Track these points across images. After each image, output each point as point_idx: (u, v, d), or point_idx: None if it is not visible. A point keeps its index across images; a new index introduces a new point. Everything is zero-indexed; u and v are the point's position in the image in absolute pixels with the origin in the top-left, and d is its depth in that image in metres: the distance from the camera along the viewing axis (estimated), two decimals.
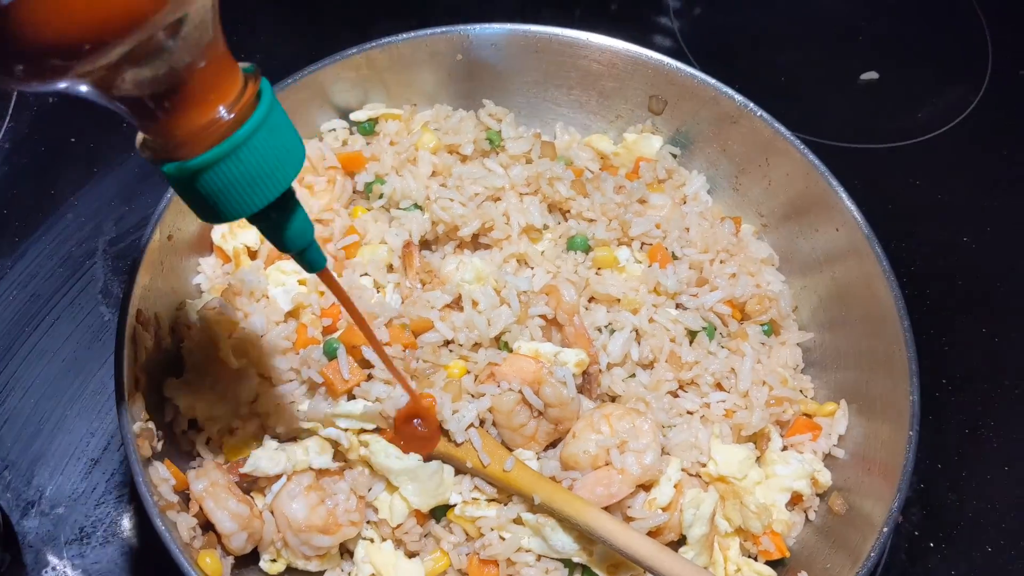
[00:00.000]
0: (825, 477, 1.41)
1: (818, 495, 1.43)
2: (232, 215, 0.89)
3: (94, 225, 1.67)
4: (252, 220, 0.93)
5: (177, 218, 1.40)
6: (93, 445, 1.47)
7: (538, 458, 1.35)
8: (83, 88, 0.76)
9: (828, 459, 1.45)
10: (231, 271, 1.44)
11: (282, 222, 0.95)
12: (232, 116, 0.83)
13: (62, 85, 0.75)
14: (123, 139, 1.77)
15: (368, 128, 1.64)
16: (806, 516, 1.42)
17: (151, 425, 1.28)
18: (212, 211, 0.89)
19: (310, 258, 1.01)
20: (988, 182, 1.96)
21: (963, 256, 1.85)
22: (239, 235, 1.45)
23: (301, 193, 1.51)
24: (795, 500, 1.41)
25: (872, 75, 2.10)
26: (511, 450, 1.33)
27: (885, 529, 1.25)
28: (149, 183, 1.71)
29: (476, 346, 1.37)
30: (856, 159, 1.95)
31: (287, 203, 0.94)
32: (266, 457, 1.27)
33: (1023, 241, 1.88)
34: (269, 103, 0.86)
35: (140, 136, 0.88)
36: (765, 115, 1.56)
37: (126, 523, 1.42)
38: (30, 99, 1.80)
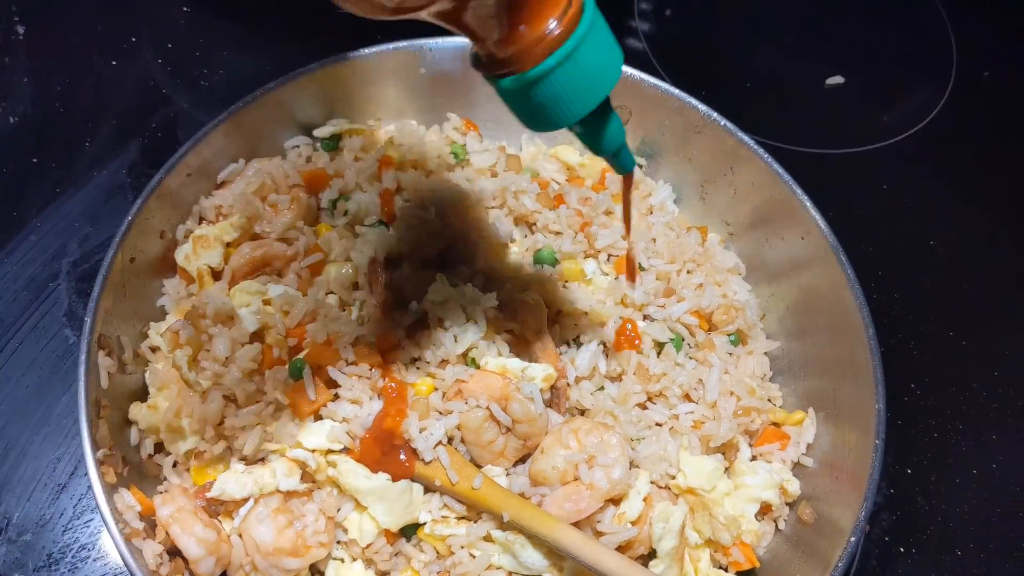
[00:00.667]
0: (794, 486, 1.42)
1: (787, 504, 1.43)
2: (563, 121, 1.00)
3: (58, 247, 1.65)
4: (574, 125, 1.03)
5: (140, 240, 1.40)
6: (60, 470, 1.45)
7: (507, 474, 1.35)
8: (432, 15, 0.89)
9: (797, 468, 1.45)
10: (195, 292, 1.43)
11: (601, 126, 1.06)
12: (561, 28, 0.93)
13: (421, 14, 0.88)
14: (87, 159, 1.76)
15: (332, 144, 1.63)
16: (776, 526, 1.42)
17: (116, 452, 1.27)
18: (544, 119, 1.00)
19: (622, 159, 1.13)
20: (954, 185, 1.97)
21: (931, 259, 1.86)
22: (202, 256, 1.44)
23: (265, 212, 1.50)
24: (764, 510, 1.41)
25: (838, 79, 2.11)
26: (480, 467, 1.33)
27: (852, 538, 1.25)
28: (113, 203, 1.70)
29: (443, 363, 1.36)
30: (824, 164, 1.95)
31: (606, 107, 1.04)
32: (233, 480, 1.27)
33: (990, 244, 1.90)
34: (592, 13, 0.96)
35: (473, 51, 0.99)
36: (729, 124, 1.57)
37: (94, 549, 1.40)
38: None
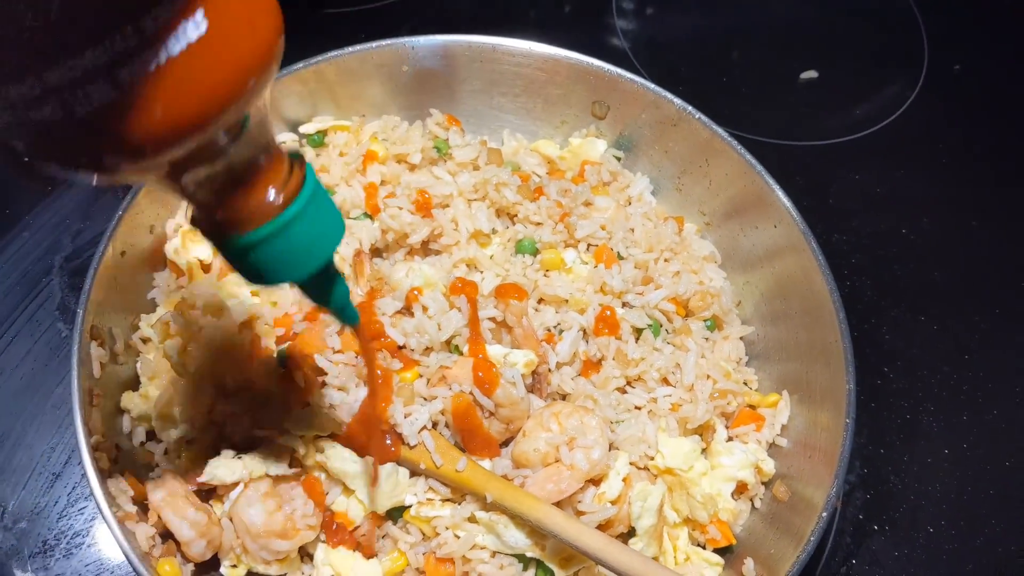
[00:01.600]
0: (769, 466, 1.46)
1: (763, 483, 1.47)
2: (279, 282, 0.99)
3: (51, 242, 1.68)
4: (296, 284, 1.02)
5: (130, 234, 1.43)
6: (54, 460, 1.49)
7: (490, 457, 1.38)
8: (146, 179, 0.85)
9: (772, 448, 1.49)
10: (185, 285, 1.46)
11: (323, 286, 1.05)
12: (281, 198, 0.91)
13: (130, 179, 0.85)
14: None
15: (318, 140, 1.67)
16: (752, 504, 1.47)
17: (109, 439, 1.30)
18: (260, 278, 0.98)
19: (346, 315, 1.12)
20: (925, 175, 2.02)
21: (902, 247, 1.90)
22: (192, 249, 1.48)
23: None
24: (741, 489, 1.46)
25: (812, 74, 2.15)
26: (464, 450, 1.36)
27: (824, 514, 1.29)
28: (105, 199, 1.73)
29: (427, 350, 1.40)
30: (798, 156, 2.00)
31: (328, 270, 1.03)
32: (223, 465, 1.30)
33: (958, 231, 1.95)
34: (313, 186, 0.95)
35: (190, 212, 0.95)
36: (703, 117, 1.61)
37: (88, 535, 1.44)
38: None
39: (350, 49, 1.63)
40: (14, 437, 1.50)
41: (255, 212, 0.91)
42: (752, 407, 1.52)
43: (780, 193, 1.54)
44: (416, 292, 1.42)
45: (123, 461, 1.33)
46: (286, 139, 1.67)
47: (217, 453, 1.36)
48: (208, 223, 0.94)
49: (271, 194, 0.91)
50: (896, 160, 2.03)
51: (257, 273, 0.97)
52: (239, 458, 1.31)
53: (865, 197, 1.97)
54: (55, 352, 1.57)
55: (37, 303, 1.61)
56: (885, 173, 2.01)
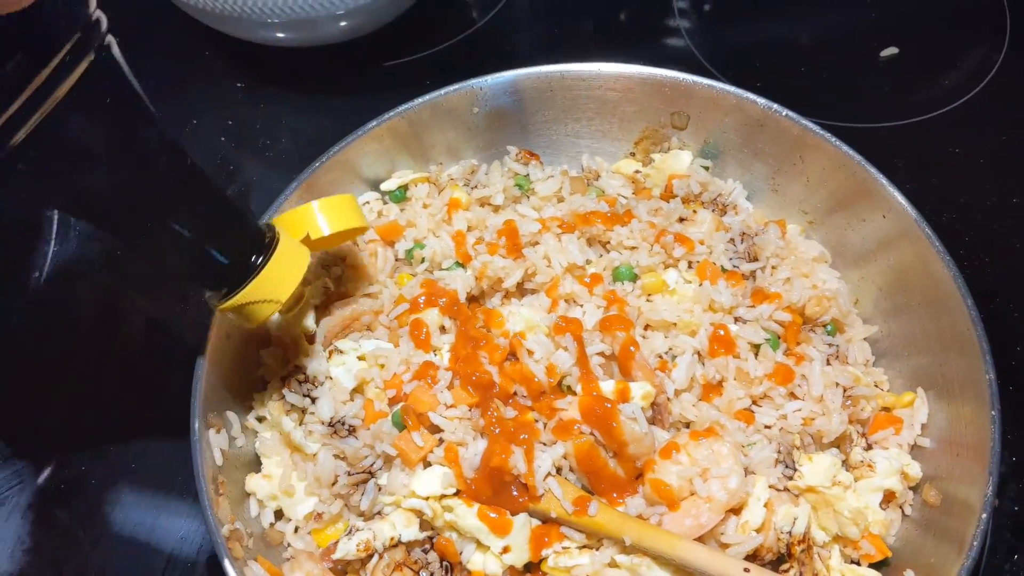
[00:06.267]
0: (915, 470, 1.38)
1: (911, 488, 1.39)
2: None
3: None
4: None
5: None
6: (186, 549, 1.49)
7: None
8: None
9: (915, 450, 1.42)
10: (293, 358, 1.46)
11: None
12: None
13: None
14: None
15: (400, 195, 1.65)
16: (902, 512, 1.39)
17: (239, 525, 1.30)
18: None
19: None
20: None
21: (1016, 217, 1.79)
22: (294, 322, 1.47)
23: (347, 271, 1.53)
24: (889, 498, 1.38)
25: (892, 51, 2.06)
26: (593, 494, 1.32)
27: (984, 515, 1.22)
28: None
29: (540, 395, 1.36)
30: (891, 137, 1.91)
31: None
32: (355, 538, 1.28)
33: None
34: None
35: None
36: (791, 114, 1.54)
37: None
38: None
39: (419, 100, 1.61)
40: (146, 530, 1.50)
41: None
42: (887, 409, 1.45)
43: (884, 180, 1.46)
44: (519, 337, 1.39)
45: (255, 545, 1.32)
46: (369, 198, 1.66)
47: (347, 525, 1.35)
48: None
49: None
50: (994, 126, 1.92)
51: None
52: (369, 529, 1.30)
53: (969, 170, 1.86)
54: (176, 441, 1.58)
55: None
56: (985, 142, 1.90)
